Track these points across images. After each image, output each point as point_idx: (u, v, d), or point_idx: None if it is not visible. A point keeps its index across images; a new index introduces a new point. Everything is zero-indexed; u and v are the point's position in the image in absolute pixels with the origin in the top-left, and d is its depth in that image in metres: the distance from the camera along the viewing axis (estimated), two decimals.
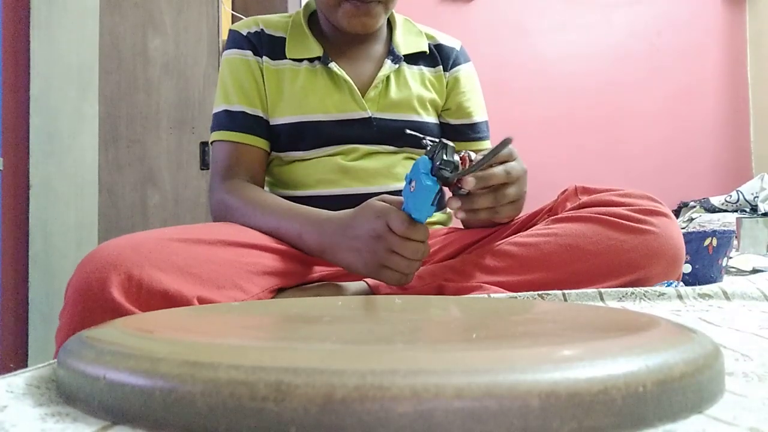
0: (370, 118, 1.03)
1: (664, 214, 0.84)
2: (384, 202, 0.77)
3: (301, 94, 1.03)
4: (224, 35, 1.92)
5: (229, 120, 1.02)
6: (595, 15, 2.89)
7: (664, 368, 0.31)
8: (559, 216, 0.87)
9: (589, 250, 0.81)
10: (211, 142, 1.05)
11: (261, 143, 1.03)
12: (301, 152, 1.03)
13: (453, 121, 1.12)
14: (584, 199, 0.88)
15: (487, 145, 1.13)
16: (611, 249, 0.81)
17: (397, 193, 0.98)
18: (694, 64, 2.92)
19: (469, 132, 1.12)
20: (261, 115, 1.03)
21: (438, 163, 0.69)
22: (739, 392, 0.36)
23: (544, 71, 2.82)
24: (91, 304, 0.65)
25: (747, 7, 2.96)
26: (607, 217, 0.82)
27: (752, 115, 2.94)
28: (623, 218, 0.82)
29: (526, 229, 0.89)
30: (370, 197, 0.90)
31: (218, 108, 1.04)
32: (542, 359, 0.30)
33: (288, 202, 0.94)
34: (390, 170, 1.03)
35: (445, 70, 1.11)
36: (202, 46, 1.82)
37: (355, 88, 1.03)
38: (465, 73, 1.13)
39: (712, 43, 2.95)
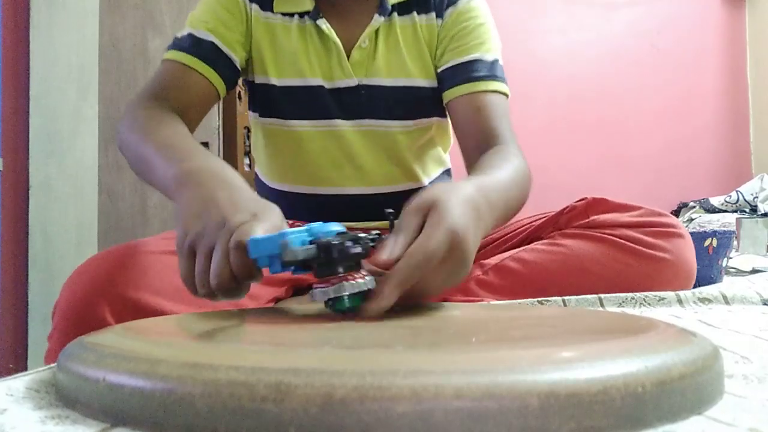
0: (357, 86, 0.92)
1: (679, 235, 0.80)
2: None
3: (296, 56, 0.92)
4: None
5: (190, 44, 0.87)
6: (595, 15, 2.89)
7: (663, 369, 0.31)
8: (567, 232, 0.83)
9: (596, 273, 0.78)
10: (162, 62, 0.89)
11: (216, 80, 0.88)
12: (299, 121, 0.93)
13: (443, 66, 0.93)
14: (594, 216, 0.83)
15: (496, 87, 0.91)
16: (621, 274, 0.78)
17: (399, 194, 0.92)
18: (694, 65, 2.92)
19: (461, 73, 0.91)
20: (232, 57, 0.89)
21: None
22: (738, 394, 0.36)
23: (545, 72, 2.82)
24: (83, 332, 0.61)
25: (747, 7, 2.96)
26: (619, 240, 0.79)
27: (752, 115, 2.95)
28: (635, 242, 0.78)
29: (531, 242, 0.86)
30: (373, 198, 0.91)
31: (183, 32, 0.89)
32: (541, 360, 0.30)
33: (188, 144, 0.72)
34: (394, 167, 0.95)
35: (438, 16, 0.94)
36: None
37: (343, 51, 0.91)
38: (463, 8, 0.94)
39: (712, 44, 2.95)
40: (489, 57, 0.92)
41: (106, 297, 0.61)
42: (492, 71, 0.92)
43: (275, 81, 0.93)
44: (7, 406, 0.35)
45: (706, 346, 0.36)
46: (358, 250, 0.49)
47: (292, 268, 0.49)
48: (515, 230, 0.90)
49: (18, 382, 0.40)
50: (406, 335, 0.43)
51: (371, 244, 0.51)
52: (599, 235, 0.80)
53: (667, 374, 0.31)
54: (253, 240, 0.49)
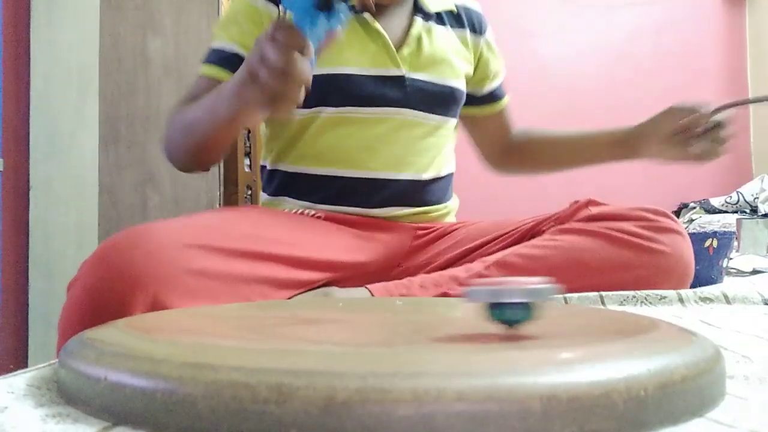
0: (402, 77, 0.97)
1: (676, 231, 0.82)
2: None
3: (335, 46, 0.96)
4: None
5: (217, 57, 0.95)
6: (595, 15, 2.89)
7: (665, 371, 0.31)
8: (567, 227, 0.85)
9: (596, 267, 0.80)
10: (198, 75, 0.97)
11: None
12: (331, 108, 0.95)
13: (489, 87, 1.12)
14: (594, 211, 0.85)
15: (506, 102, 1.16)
16: (619, 267, 0.80)
17: (411, 182, 0.98)
18: (694, 65, 2.92)
19: (499, 93, 1.14)
20: None
21: None
22: (740, 395, 0.36)
23: (545, 72, 2.82)
24: (103, 315, 0.58)
25: (746, 7, 2.96)
26: (617, 234, 0.81)
27: (752, 115, 2.94)
28: (633, 235, 0.80)
29: (531, 238, 0.88)
30: (390, 183, 0.95)
31: (213, 45, 0.97)
32: (543, 362, 0.30)
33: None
34: (413, 154, 0.99)
35: (473, 32, 1.08)
36: (202, 47, 1.81)
37: (391, 43, 0.97)
38: (490, 37, 1.12)
39: (712, 43, 2.95)
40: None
41: (139, 296, 0.60)
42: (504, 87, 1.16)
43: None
44: (8, 404, 0.35)
45: (708, 348, 0.36)
46: None
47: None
48: (515, 228, 0.92)
49: (19, 379, 0.40)
50: (407, 333, 0.43)
51: None
52: (598, 230, 0.82)
53: (669, 377, 0.31)
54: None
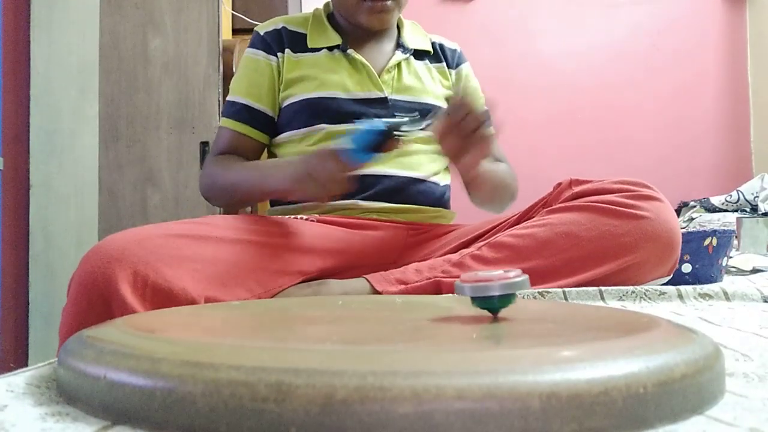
0: (386, 98, 1.09)
1: (658, 199, 0.86)
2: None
3: (321, 73, 1.08)
4: (224, 35, 1.92)
5: (233, 110, 1.10)
6: (596, 14, 2.88)
7: (664, 369, 0.31)
8: (554, 207, 0.89)
9: (583, 237, 0.83)
10: (219, 127, 1.14)
11: (258, 136, 1.10)
12: (325, 125, 1.06)
13: None
14: (578, 189, 0.90)
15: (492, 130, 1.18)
16: (605, 234, 0.83)
17: (406, 179, 1.06)
18: (695, 64, 2.91)
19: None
20: (263, 110, 1.09)
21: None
22: (739, 393, 0.36)
23: (544, 70, 2.82)
24: (96, 300, 0.66)
25: (747, 6, 2.95)
26: (601, 204, 0.85)
27: (752, 114, 2.94)
28: (616, 204, 0.84)
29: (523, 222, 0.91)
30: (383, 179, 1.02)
31: (229, 97, 1.13)
32: (543, 360, 0.30)
33: (264, 161, 1.06)
34: (402, 155, 1.07)
35: (449, 67, 1.19)
36: (202, 46, 1.82)
37: (373, 70, 1.09)
38: (466, 71, 1.22)
39: (713, 43, 2.95)
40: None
41: (119, 270, 0.67)
42: (488, 119, 1.15)
43: (306, 96, 1.07)
44: (7, 402, 0.35)
45: (708, 345, 0.36)
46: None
47: (367, 156, 0.82)
48: (506, 220, 0.97)
49: (18, 378, 0.40)
50: (407, 330, 0.43)
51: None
52: (583, 204, 0.86)
53: (669, 375, 0.31)
54: (352, 136, 0.82)
